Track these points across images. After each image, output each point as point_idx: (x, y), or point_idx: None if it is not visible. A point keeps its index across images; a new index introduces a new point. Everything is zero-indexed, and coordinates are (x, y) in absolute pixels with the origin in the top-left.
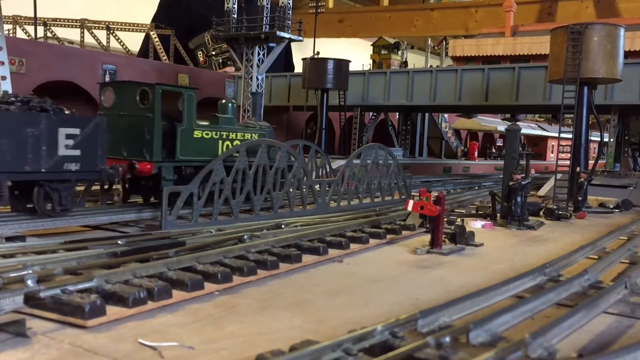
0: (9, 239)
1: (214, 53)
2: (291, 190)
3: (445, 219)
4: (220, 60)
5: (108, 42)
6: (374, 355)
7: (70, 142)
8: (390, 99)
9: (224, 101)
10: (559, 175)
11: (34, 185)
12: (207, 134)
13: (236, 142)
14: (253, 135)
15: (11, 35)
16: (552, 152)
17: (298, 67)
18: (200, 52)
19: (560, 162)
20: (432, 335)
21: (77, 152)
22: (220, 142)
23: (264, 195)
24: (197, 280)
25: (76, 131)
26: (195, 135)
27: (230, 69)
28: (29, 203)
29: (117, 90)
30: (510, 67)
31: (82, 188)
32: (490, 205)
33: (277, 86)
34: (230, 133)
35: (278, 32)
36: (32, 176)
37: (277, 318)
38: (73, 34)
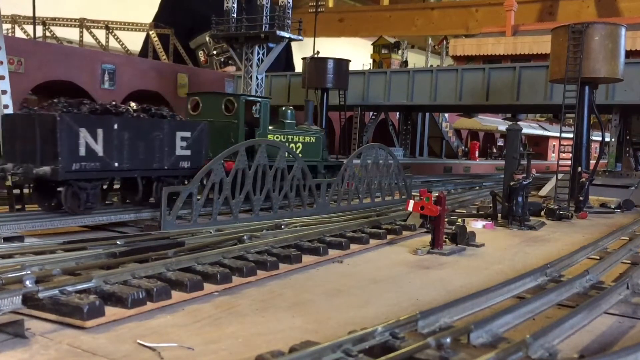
0: (7, 239)
1: (215, 52)
2: (291, 190)
3: (446, 219)
4: (222, 60)
5: (107, 42)
6: (375, 356)
7: (184, 143)
8: (391, 99)
9: (284, 108)
10: (560, 175)
11: (153, 181)
12: (277, 137)
13: (299, 144)
14: (310, 137)
15: (10, 34)
16: (553, 152)
17: (298, 67)
18: (201, 51)
19: (561, 162)
20: (433, 336)
21: (188, 152)
22: (286, 144)
23: (264, 195)
24: (196, 281)
25: (188, 134)
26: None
27: (231, 69)
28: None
29: (204, 100)
30: (511, 67)
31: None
32: (491, 205)
33: (277, 86)
34: (294, 136)
35: (278, 32)
36: (157, 173)
37: (277, 319)
38: (72, 34)
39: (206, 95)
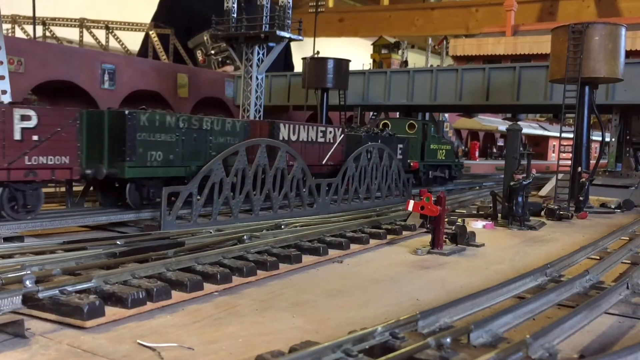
0: (7, 239)
1: (212, 52)
2: (291, 190)
3: (446, 219)
4: (220, 59)
5: (107, 42)
6: (375, 356)
7: (400, 150)
8: (391, 99)
9: (429, 125)
10: (560, 175)
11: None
12: (434, 146)
13: (444, 150)
14: (449, 145)
15: (10, 34)
16: (553, 152)
17: (297, 67)
18: (199, 51)
19: (561, 162)
20: (433, 336)
21: (401, 155)
22: (438, 150)
23: (264, 196)
24: (196, 281)
25: (402, 145)
26: (431, 147)
27: (229, 68)
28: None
29: (393, 122)
30: (511, 67)
31: None
32: (491, 205)
33: (277, 86)
34: (442, 145)
35: (278, 32)
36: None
37: (277, 319)
38: (72, 34)
39: (395, 120)
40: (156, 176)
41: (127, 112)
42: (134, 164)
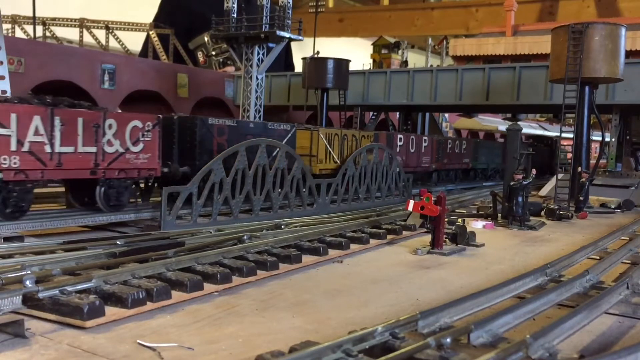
0: (7, 239)
1: (214, 53)
2: (291, 190)
3: (446, 219)
4: (221, 60)
5: (107, 42)
6: (375, 356)
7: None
8: (391, 99)
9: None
10: (560, 175)
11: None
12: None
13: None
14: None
15: (10, 34)
16: None
17: (298, 67)
18: (200, 52)
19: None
20: (433, 336)
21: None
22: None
23: (264, 196)
24: (196, 281)
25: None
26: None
27: (230, 69)
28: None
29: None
30: (511, 67)
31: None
32: (491, 205)
33: (277, 86)
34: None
35: (278, 32)
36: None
37: (277, 319)
38: (72, 34)
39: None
40: (484, 167)
41: (478, 140)
42: (479, 161)
